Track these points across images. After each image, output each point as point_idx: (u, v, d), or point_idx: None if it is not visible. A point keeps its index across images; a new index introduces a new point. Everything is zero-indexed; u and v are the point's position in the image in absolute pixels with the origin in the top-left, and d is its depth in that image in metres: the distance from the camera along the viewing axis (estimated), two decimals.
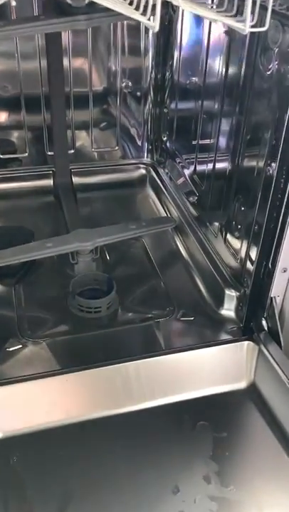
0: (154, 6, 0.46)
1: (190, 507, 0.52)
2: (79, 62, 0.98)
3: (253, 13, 0.50)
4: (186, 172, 0.96)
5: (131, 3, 0.50)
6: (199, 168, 0.91)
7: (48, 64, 0.88)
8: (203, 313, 0.77)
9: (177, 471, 0.55)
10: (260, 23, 0.50)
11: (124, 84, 1.03)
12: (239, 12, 0.51)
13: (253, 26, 0.50)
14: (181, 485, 0.54)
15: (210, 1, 0.60)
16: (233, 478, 0.55)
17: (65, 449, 0.57)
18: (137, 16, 0.47)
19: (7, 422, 0.58)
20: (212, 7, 0.58)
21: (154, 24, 0.46)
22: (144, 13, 0.47)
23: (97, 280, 0.82)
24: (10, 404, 0.59)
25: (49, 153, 1.02)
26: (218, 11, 0.55)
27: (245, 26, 0.49)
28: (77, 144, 1.05)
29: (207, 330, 0.74)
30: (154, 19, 0.46)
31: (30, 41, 0.92)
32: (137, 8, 0.49)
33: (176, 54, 0.97)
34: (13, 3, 0.43)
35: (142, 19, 0.47)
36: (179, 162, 1.00)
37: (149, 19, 0.47)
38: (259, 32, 0.59)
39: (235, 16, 0.53)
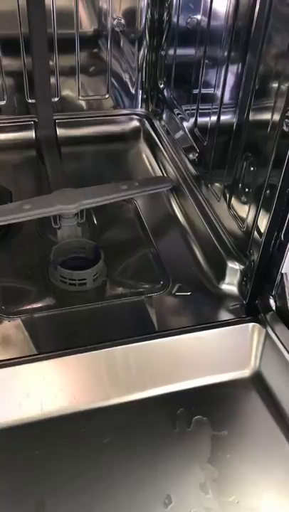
0: None
1: None
2: (63, 1, 0.85)
3: None
4: (186, 125, 0.85)
5: None
6: (201, 120, 0.80)
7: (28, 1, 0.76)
8: (201, 287, 0.68)
9: (169, 478, 0.48)
10: None
11: (115, 23, 0.90)
12: None
13: None
14: (173, 495, 0.46)
15: None
16: (235, 486, 0.48)
17: (40, 447, 0.50)
18: None
19: None
20: None
21: None
22: None
23: (83, 248, 0.72)
24: None
25: (30, 100, 0.90)
26: None
27: None
28: (63, 92, 0.93)
29: (206, 307, 0.65)
30: None
31: None
32: None
33: None
34: None
35: None
36: (178, 113, 0.89)
37: None
38: None
39: None
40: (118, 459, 0.49)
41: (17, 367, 0.53)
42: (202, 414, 0.53)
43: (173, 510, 0.45)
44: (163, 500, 0.46)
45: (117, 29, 0.91)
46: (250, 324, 0.59)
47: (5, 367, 0.53)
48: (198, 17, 0.77)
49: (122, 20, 0.91)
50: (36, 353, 0.56)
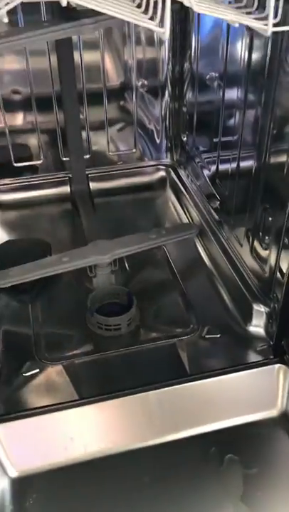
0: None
1: None
2: (90, 56, 0.93)
3: (276, 9, 0.44)
4: (206, 173, 0.91)
5: (139, 6, 0.45)
6: (222, 167, 0.85)
7: (59, 60, 0.83)
8: (229, 329, 0.72)
9: None
10: (285, 20, 0.45)
11: (140, 83, 0.98)
12: (261, 6, 0.46)
13: (276, 25, 0.44)
14: None
15: None
16: None
17: (85, 487, 0.54)
18: (145, 21, 0.42)
19: (22, 460, 0.55)
20: (230, 2, 0.52)
21: (163, 30, 0.41)
22: (152, 17, 0.43)
23: (117, 294, 0.78)
24: (25, 439, 0.56)
25: (64, 158, 0.98)
26: (237, 7, 0.49)
27: (268, 26, 0.44)
28: (93, 147, 1.01)
29: (234, 348, 0.69)
30: (163, 24, 0.42)
31: None
32: (145, 12, 0.44)
33: (194, 43, 0.90)
34: (5, 20, 0.38)
35: (151, 26, 0.42)
36: (198, 162, 0.95)
37: (158, 25, 0.42)
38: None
39: (256, 10, 0.47)
40: (154, 497, 0.53)
41: (62, 412, 0.59)
42: (233, 453, 0.56)
43: None
44: None
45: (140, 87, 0.98)
46: (277, 366, 0.63)
47: (51, 412, 0.59)
48: (215, 73, 0.83)
49: (145, 79, 0.98)
50: (78, 399, 0.61)
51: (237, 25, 0.44)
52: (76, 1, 0.40)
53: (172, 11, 0.40)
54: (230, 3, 0.52)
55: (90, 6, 0.40)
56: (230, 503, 0.52)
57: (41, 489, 0.53)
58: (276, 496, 0.53)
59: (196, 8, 0.42)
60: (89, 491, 0.54)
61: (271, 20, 0.43)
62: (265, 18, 0.44)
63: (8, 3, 0.38)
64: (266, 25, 0.43)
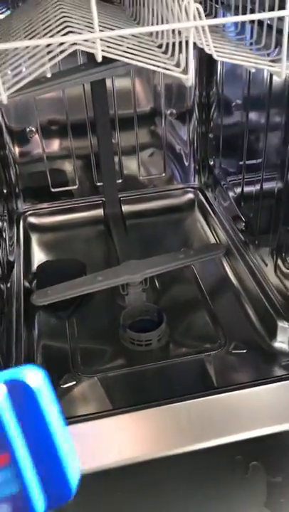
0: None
1: None
2: (122, 83, 0.98)
3: None
4: (232, 195, 0.95)
5: (165, 52, 0.50)
6: (246, 189, 0.89)
7: (92, 88, 0.88)
8: (255, 345, 0.75)
9: None
10: None
11: (168, 111, 1.03)
12: (279, 45, 0.50)
13: None
14: None
15: (248, 38, 0.59)
16: None
17: (117, 491, 0.58)
18: (170, 69, 0.47)
19: None
20: (251, 43, 0.57)
21: (186, 77, 0.46)
22: (178, 64, 0.48)
23: (147, 311, 0.82)
24: None
25: (98, 183, 1.05)
26: (257, 48, 0.54)
27: (282, 69, 0.48)
28: (125, 171, 1.07)
29: (260, 363, 0.73)
30: (187, 71, 0.46)
31: None
32: (170, 58, 0.49)
33: (219, 69, 0.95)
34: (49, 75, 0.44)
35: (176, 74, 0.47)
36: (224, 184, 0.99)
37: (183, 72, 0.47)
38: None
39: (275, 49, 0.52)
40: (183, 503, 0.56)
41: (96, 421, 0.63)
42: (258, 461, 0.60)
43: None
44: None
45: (168, 111, 1.03)
46: None
47: (86, 421, 0.63)
48: (239, 100, 0.88)
49: (173, 102, 1.02)
50: (112, 409, 0.66)
51: (253, 70, 0.49)
52: (110, 55, 0.45)
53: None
54: (251, 44, 0.57)
55: (122, 60, 0.46)
56: (255, 508, 0.55)
57: (76, 493, 0.57)
58: None
59: (216, 56, 0.47)
60: (121, 495, 0.58)
61: (285, 64, 0.47)
62: (280, 60, 0.49)
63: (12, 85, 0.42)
64: (280, 68, 0.48)
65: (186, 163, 1.09)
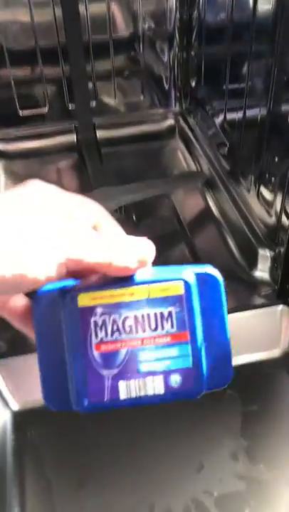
0: None
1: (215, 486, 0.49)
2: (96, 7, 0.90)
3: None
4: (217, 121, 0.88)
5: None
6: (230, 115, 0.83)
7: (63, 11, 0.81)
8: (234, 275, 0.71)
9: (202, 447, 0.52)
10: None
11: (146, 27, 0.94)
12: None
13: None
14: (206, 462, 0.51)
15: None
16: (264, 455, 0.51)
17: (86, 421, 0.55)
18: None
19: (24, 393, 0.56)
20: None
21: None
22: None
23: None
24: (27, 373, 0.57)
25: (70, 107, 0.96)
26: None
27: None
28: (100, 96, 0.98)
29: (239, 294, 0.69)
30: None
31: None
32: None
33: None
34: None
35: None
36: (209, 110, 0.92)
37: None
38: None
39: None
40: (156, 430, 0.53)
41: None
42: (233, 390, 0.57)
43: (205, 475, 0.50)
44: (196, 466, 0.50)
45: (148, 32, 0.95)
46: (280, 307, 0.62)
47: None
48: (224, 15, 0.80)
49: (153, 25, 0.95)
50: None
51: None
52: None
53: None
54: None
55: None
56: (231, 438, 0.52)
57: (43, 422, 0.54)
58: (275, 432, 0.53)
59: None
60: (91, 424, 0.54)
61: None
62: None
63: None
64: None
65: (166, 87, 1.01)
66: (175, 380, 0.31)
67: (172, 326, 0.30)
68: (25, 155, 0.95)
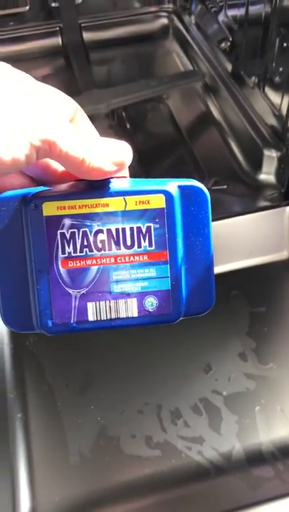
0: None
1: (224, 386, 0.47)
2: None
3: None
4: (219, 17, 0.80)
5: None
6: (231, 12, 0.75)
7: None
8: (238, 179, 0.67)
9: (209, 348, 0.50)
10: None
11: None
12: None
13: None
14: (213, 363, 0.49)
15: None
16: (273, 355, 0.49)
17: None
18: None
19: None
20: None
21: None
22: None
23: None
24: None
25: (53, 4, 0.87)
26: None
27: None
28: None
29: (244, 198, 0.65)
30: None
31: None
32: None
33: None
34: None
35: None
36: (209, 4, 0.83)
37: None
38: None
39: None
40: (159, 335, 0.51)
41: None
42: (241, 292, 0.54)
43: (213, 375, 0.48)
44: (203, 368, 0.48)
45: None
46: (287, 208, 0.58)
47: None
48: None
49: None
50: None
51: None
52: None
53: None
54: None
55: None
56: (238, 339, 0.50)
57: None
58: (283, 332, 0.51)
59: None
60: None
61: None
62: None
63: None
64: None
65: None
66: (151, 302, 0.28)
67: (150, 243, 0.27)
68: (5, 60, 0.87)
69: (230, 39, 0.75)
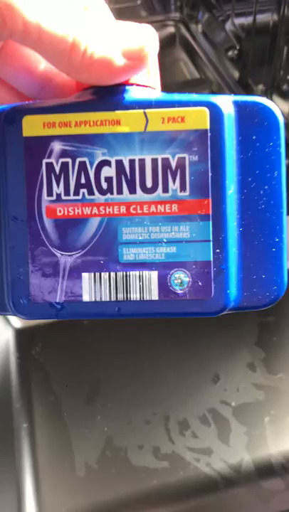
0: None
1: (233, 396, 0.46)
2: None
3: None
4: (226, 26, 0.80)
5: None
6: (238, 21, 0.75)
7: None
8: None
9: (217, 358, 0.49)
10: None
11: None
12: None
13: None
14: (222, 373, 0.48)
15: None
16: (282, 365, 0.48)
17: (92, 335, 0.52)
18: None
19: None
20: None
21: None
22: None
23: None
24: None
25: None
26: None
27: None
28: None
29: None
30: None
31: None
32: None
33: None
34: None
35: None
36: (216, 13, 0.83)
37: None
38: None
39: None
40: (165, 345, 0.51)
41: None
42: None
43: (222, 386, 0.47)
44: (211, 378, 0.48)
45: None
46: None
47: None
48: None
49: None
50: None
51: None
52: None
53: None
54: None
55: None
56: (246, 347, 0.50)
57: (47, 339, 0.51)
58: None
59: None
60: (97, 337, 0.52)
61: None
62: None
63: None
64: None
65: None
66: (180, 280, 0.18)
67: (183, 186, 0.18)
68: None
69: (238, 47, 0.75)
